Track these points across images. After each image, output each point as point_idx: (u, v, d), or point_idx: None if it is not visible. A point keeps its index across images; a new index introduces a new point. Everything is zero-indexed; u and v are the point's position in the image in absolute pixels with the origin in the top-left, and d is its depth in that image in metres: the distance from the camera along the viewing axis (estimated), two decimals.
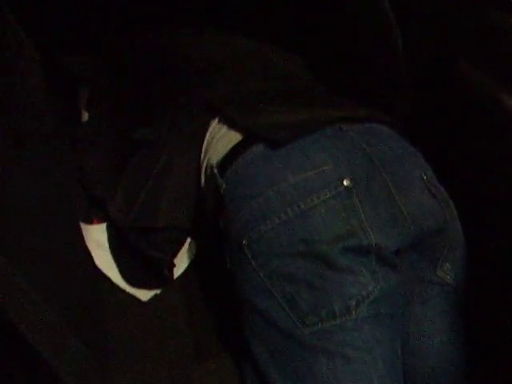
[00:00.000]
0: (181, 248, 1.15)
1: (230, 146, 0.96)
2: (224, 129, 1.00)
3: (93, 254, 1.14)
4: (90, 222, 1.19)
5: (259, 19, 1.21)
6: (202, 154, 1.04)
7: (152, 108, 1.12)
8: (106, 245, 1.16)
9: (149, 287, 1.13)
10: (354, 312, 0.84)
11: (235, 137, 0.97)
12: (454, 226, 0.98)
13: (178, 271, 1.15)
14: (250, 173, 0.91)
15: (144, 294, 1.12)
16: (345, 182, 0.87)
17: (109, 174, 1.14)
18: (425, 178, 0.97)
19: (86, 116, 1.28)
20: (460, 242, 1.00)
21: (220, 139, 1.00)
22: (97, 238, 1.17)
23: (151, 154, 1.07)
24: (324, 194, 0.86)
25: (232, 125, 0.99)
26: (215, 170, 0.95)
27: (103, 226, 1.19)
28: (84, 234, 1.15)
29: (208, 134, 1.03)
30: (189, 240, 1.17)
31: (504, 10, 0.87)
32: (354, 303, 0.84)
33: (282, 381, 0.86)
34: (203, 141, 1.04)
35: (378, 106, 1.05)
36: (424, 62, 1.04)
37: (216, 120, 1.03)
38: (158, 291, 1.13)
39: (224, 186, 0.92)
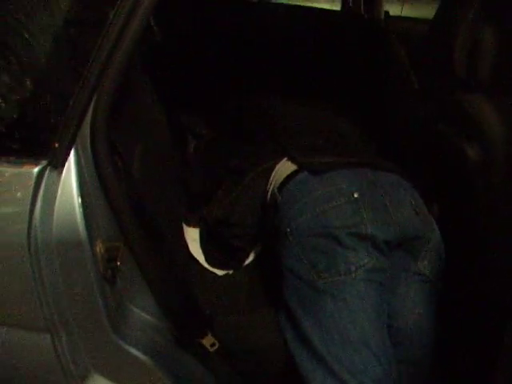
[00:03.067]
0: (254, 244, 1.73)
1: (286, 173, 1.54)
2: (286, 164, 1.60)
3: (189, 245, 1.75)
4: (188, 224, 1.82)
5: (325, 94, 1.83)
6: (270, 180, 1.62)
7: (246, 148, 1.75)
8: (198, 240, 1.78)
9: (224, 268, 1.71)
10: (353, 274, 1.36)
11: (291, 168, 1.55)
12: (432, 236, 1.50)
13: (247, 261, 1.74)
14: (296, 189, 1.48)
15: (219, 272, 1.71)
16: (355, 195, 1.42)
17: (208, 188, 1.78)
18: (413, 202, 1.51)
19: (191, 153, 1.97)
20: (438, 248, 1.51)
21: (282, 171, 1.59)
22: (192, 235, 1.79)
23: (239, 177, 1.67)
24: (340, 201, 1.41)
25: (292, 162, 1.57)
26: (275, 190, 1.54)
27: (197, 230, 1.81)
28: (184, 231, 1.78)
29: (276, 167, 1.63)
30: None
31: (466, 91, 1.45)
32: (353, 268, 1.36)
33: (304, 316, 1.38)
34: (272, 172, 1.63)
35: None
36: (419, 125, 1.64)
37: (284, 159, 1.61)
38: (230, 271, 1.71)
39: (280, 198, 1.51)
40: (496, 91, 1.42)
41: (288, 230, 1.43)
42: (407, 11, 3.33)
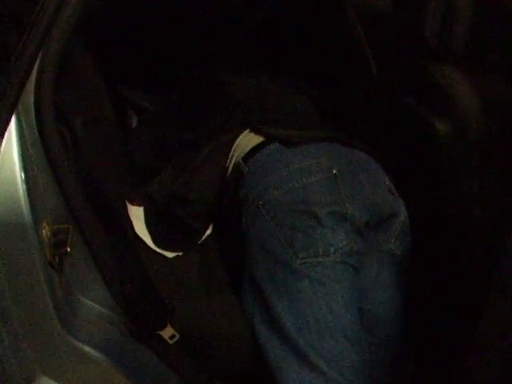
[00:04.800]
0: (210, 223, 1.60)
1: (252, 144, 1.42)
2: (250, 135, 1.46)
3: (134, 224, 1.60)
4: (132, 203, 1.66)
5: (284, 72, 1.71)
6: (231, 153, 1.49)
7: (201, 120, 1.60)
8: (143, 219, 1.62)
9: (175, 249, 1.57)
10: (331, 255, 1.26)
11: (257, 139, 1.43)
12: (404, 215, 1.43)
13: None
14: (268, 159, 1.37)
15: (169, 254, 1.56)
16: (334, 171, 1.32)
17: (154, 163, 1.62)
18: (386, 182, 1.43)
19: (134, 124, 1.80)
20: (406, 227, 1.44)
21: (246, 141, 1.46)
22: (136, 214, 1.62)
23: (196, 151, 1.52)
24: (319, 176, 1.31)
25: (257, 132, 1.45)
26: (240, 160, 1.41)
27: (141, 208, 1.65)
28: (128, 209, 1.62)
29: (238, 140, 1.49)
30: None
31: (436, 62, 1.37)
32: (332, 250, 1.26)
33: (278, 298, 1.26)
34: (233, 145, 1.49)
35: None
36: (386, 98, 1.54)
37: (246, 131, 1.48)
38: (180, 253, 1.57)
39: (247, 169, 1.38)
40: (469, 62, 1.34)
41: (260, 202, 1.31)
42: None
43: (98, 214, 1.07)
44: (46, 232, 0.98)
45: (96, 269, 1.08)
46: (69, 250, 0.99)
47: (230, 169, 1.45)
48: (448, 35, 1.32)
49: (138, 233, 1.59)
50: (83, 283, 1.10)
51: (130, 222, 1.56)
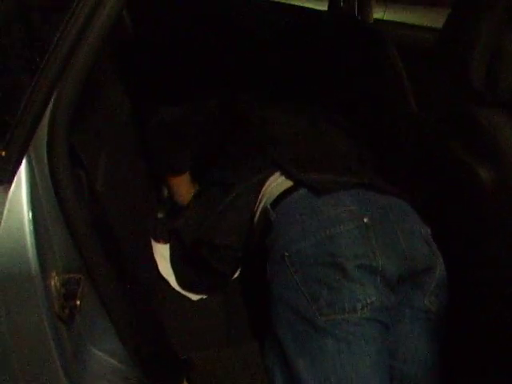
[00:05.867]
0: (237, 268, 1.50)
1: (281, 189, 1.31)
2: (280, 179, 1.36)
3: (158, 263, 1.51)
4: (157, 240, 1.57)
5: (320, 110, 1.61)
6: (260, 196, 1.39)
7: (230, 158, 1.51)
8: (168, 258, 1.53)
9: (199, 292, 1.48)
10: (359, 312, 1.15)
11: (287, 183, 1.32)
12: (441, 269, 1.31)
13: None
14: (296, 207, 1.26)
15: (194, 296, 1.47)
16: (365, 220, 1.21)
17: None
18: (423, 232, 1.31)
19: None
20: (444, 281, 1.32)
21: (275, 186, 1.35)
22: (162, 252, 1.54)
23: (225, 191, 1.43)
24: (349, 225, 1.20)
25: (287, 177, 1.34)
26: (268, 206, 1.31)
27: (167, 246, 1.56)
28: (153, 247, 1.53)
29: (267, 182, 1.39)
30: None
31: (482, 105, 1.26)
32: (359, 306, 1.15)
33: (299, 356, 1.16)
34: (263, 187, 1.39)
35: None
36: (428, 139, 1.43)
37: (277, 174, 1.38)
38: (204, 296, 1.47)
39: (274, 216, 1.28)
40: None
41: (286, 253, 1.21)
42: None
43: (112, 262, 0.98)
44: (54, 282, 0.90)
45: (110, 320, 0.99)
46: (79, 303, 0.90)
47: (258, 213, 1.36)
48: (495, 79, 1.21)
49: (162, 272, 1.51)
50: (95, 333, 1.01)
51: (153, 264, 1.48)
